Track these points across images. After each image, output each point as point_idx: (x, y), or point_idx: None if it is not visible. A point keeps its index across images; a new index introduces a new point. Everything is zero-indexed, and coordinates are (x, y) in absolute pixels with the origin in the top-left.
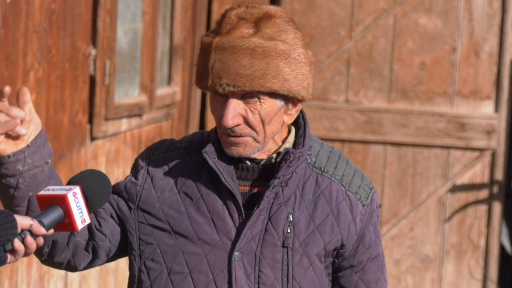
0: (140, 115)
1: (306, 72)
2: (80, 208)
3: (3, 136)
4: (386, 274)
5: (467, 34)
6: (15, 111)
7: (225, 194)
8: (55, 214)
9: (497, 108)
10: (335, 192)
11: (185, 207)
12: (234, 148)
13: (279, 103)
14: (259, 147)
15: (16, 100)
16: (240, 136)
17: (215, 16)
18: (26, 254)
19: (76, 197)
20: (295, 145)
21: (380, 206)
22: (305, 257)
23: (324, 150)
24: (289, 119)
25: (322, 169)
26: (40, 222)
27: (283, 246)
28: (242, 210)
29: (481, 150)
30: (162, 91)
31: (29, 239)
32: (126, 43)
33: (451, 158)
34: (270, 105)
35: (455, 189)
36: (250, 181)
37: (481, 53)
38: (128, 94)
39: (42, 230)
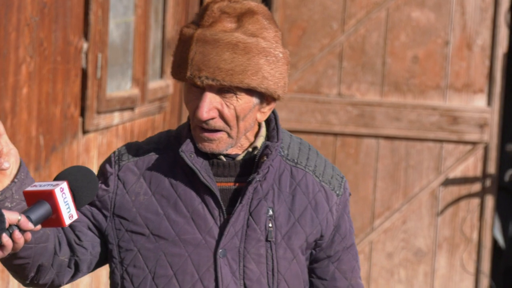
0: (132, 108)
1: (283, 71)
2: (68, 204)
3: None
4: (359, 263)
5: (460, 28)
6: None
7: (203, 192)
8: (43, 209)
9: (489, 101)
10: (311, 183)
11: (163, 209)
12: (207, 144)
13: (254, 100)
14: (232, 143)
15: (8, 93)
16: (214, 131)
17: None
18: (14, 249)
19: (64, 193)
20: (268, 138)
21: (350, 194)
22: (289, 250)
23: (294, 142)
24: (262, 117)
25: (295, 161)
26: (28, 218)
27: (266, 240)
28: (223, 207)
29: (473, 143)
30: (154, 84)
31: (17, 234)
32: (118, 36)
33: (444, 151)
34: (246, 101)
35: (448, 182)
36: (226, 177)
37: (473, 47)
38: (120, 87)
39: (30, 226)
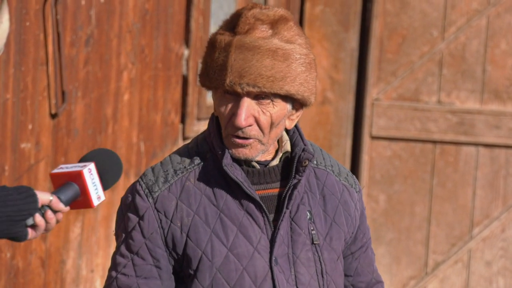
0: None
1: (315, 78)
2: (95, 185)
3: None
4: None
5: None
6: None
7: (245, 202)
8: (71, 191)
9: None
10: (335, 182)
11: (209, 226)
12: (241, 150)
13: (288, 107)
14: (264, 150)
15: (109, 99)
16: (248, 138)
17: (307, 15)
18: (46, 229)
19: (91, 173)
20: (292, 143)
21: None
22: (333, 251)
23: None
24: (291, 124)
25: (316, 162)
26: (59, 198)
27: (312, 243)
28: (268, 215)
29: None
30: None
31: (49, 213)
32: None
33: None
34: (281, 108)
35: None
36: (262, 184)
37: None
38: None
39: (61, 206)
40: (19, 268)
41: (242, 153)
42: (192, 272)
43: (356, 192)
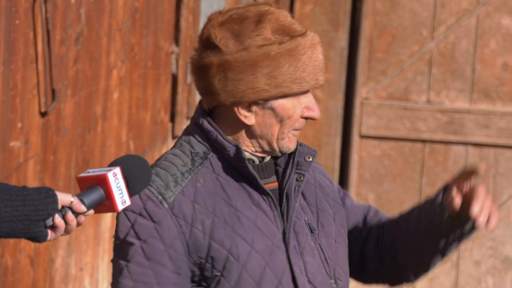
0: None
1: None
2: (121, 189)
3: None
4: None
5: None
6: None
7: (255, 197)
8: (96, 194)
9: None
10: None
11: (228, 225)
12: (294, 142)
13: None
14: None
15: (99, 97)
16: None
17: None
18: (67, 231)
19: (117, 178)
20: None
21: None
22: (330, 237)
23: None
24: None
25: None
26: (81, 201)
27: (311, 232)
28: (278, 208)
29: None
30: None
31: (70, 215)
32: None
33: None
34: None
35: None
36: (265, 179)
37: None
38: None
39: (83, 208)
40: (8, 267)
41: (294, 144)
42: (218, 273)
43: (321, 166)
